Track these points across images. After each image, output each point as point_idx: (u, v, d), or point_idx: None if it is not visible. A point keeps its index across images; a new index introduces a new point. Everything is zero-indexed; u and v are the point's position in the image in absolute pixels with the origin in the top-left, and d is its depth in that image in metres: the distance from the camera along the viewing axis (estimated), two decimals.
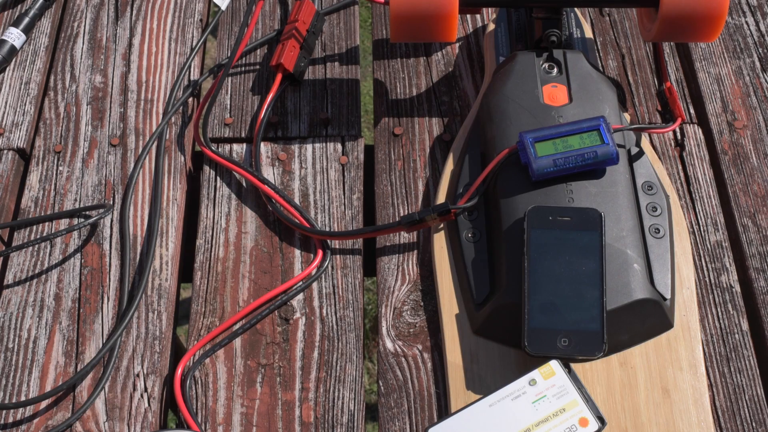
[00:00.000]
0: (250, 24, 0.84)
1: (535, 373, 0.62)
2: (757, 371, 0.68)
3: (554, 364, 0.62)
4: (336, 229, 0.76)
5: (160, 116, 0.83)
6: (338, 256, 0.74)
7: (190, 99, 0.85)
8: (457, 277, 0.69)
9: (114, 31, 0.90)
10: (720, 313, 0.71)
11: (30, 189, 0.79)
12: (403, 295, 0.72)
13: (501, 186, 0.69)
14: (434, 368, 0.68)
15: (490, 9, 0.89)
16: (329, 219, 0.76)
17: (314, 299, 0.72)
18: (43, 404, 0.68)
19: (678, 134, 0.81)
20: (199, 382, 0.69)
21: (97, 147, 0.81)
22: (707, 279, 0.72)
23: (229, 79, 0.86)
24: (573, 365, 0.63)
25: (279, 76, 0.82)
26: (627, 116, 0.77)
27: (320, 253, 0.74)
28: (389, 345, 0.70)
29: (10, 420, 0.67)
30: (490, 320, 0.65)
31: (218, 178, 0.79)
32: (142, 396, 0.68)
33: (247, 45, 0.87)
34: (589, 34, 0.82)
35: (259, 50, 0.88)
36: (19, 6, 0.92)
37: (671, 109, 0.79)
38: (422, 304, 0.71)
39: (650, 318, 0.65)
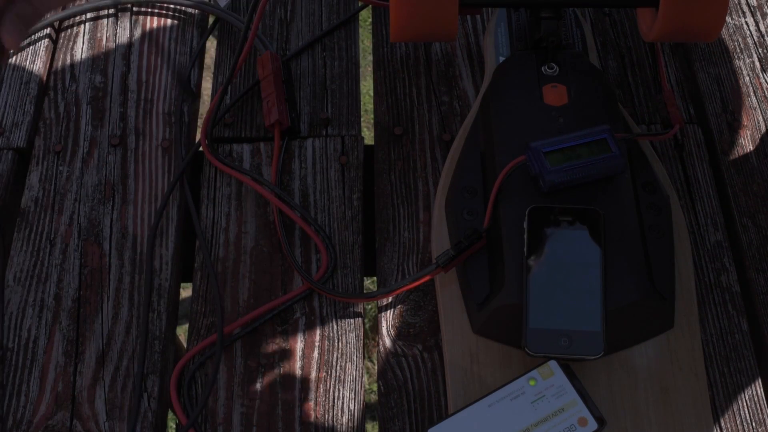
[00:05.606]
0: (249, 39, 0.82)
1: (534, 373, 0.62)
2: (757, 371, 0.68)
3: (553, 365, 0.62)
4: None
5: (160, 116, 0.83)
6: (338, 255, 0.74)
7: (190, 99, 0.85)
8: (457, 277, 0.69)
9: (114, 30, 0.90)
10: (720, 313, 0.71)
11: (30, 189, 0.79)
12: (403, 295, 0.72)
13: (501, 186, 0.69)
14: (434, 368, 0.68)
15: (490, 9, 0.89)
16: (329, 219, 0.76)
17: (314, 299, 0.72)
18: (43, 404, 0.68)
19: (678, 134, 0.81)
20: (199, 382, 0.69)
21: (97, 147, 0.81)
22: (707, 279, 0.72)
23: None
24: (573, 365, 0.63)
25: (277, 132, 0.79)
26: (627, 115, 0.77)
27: (324, 264, 0.74)
28: (389, 345, 0.70)
29: (10, 420, 0.67)
30: (490, 320, 0.65)
31: (218, 178, 0.79)
32: (142, 396, 0.68)
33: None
34: (589, 34, 0.82)
35: (257, 52, 0.88)
36: None
37: (669, 114, 0.79)
38: (422, 304, 0.71)
39: (650, 318, 0.65)
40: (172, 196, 0.78)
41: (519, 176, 0.68)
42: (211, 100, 0.86)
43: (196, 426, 0.66)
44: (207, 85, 1.02)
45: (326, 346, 0.70)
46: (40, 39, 0.89)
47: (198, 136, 0.82)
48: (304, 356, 0.69)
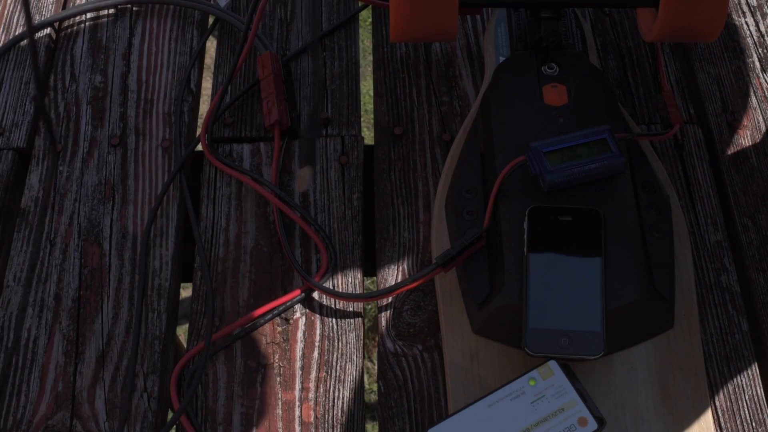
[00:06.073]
0: (249, 39, 0.81)
1: (533, 373, 0.62)
2: (757, 371, 0.68)
3: (552, 365, 0.62)
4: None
5: (160, 116, 0.83)
6: (338, 255, 0.74)
7: (190, 98, 0.85)
8: (457, 277, 0.69)
9: (114, 30, 0.90)
10: (720, 313, 0.71)
11: (30, 189, 0.79)
12: (403, 295, 0.72)
13: (501, 186, 0.69)
14: (434, 368, 0.68)
15: (490, 9, 0.89)
16: (329, 219, 0.76)
17: (314, 299, 0.72)
18: (43, 404, 0.68)
19: (678, 134, 0.81)
20: (199, 381, 0.69)
21: (97, 147, 0.81)
22: (707, 279, 0.72)
23: None
24: (573, 365, 0.63)
25: (277, 132, 0.79)
26: (627, 115, 0.77)
27: (324, 264, 0.74)
28: (389, 345, 0.70)
29: (10, 420, 0.67)
30: (490, 320, 0.65)
31: (218, 178, 0.79)
32: (141, 396, 0.68)
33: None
34: (589, 34, 0.82)
35: (257, 52, 0.88)
36: None
37: (669, 114, 0.80)
38: (422, 304, 0.71)
39: (650, 318, 0.65)
40: (172, 196, 0.78)
41: (519, 176, 0.68)
42: (211, 100, 0.86)
43: (195, 424, 0.66)
44: (207, 85, 1.01)
45: (326, 346, 0.70)
46: (40, 39, 0.89)
47: (207, 150, 0.81)
48: (304, 356, 0.69)
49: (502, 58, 0.79)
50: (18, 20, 0.91)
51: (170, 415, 0.71)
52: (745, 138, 0.80)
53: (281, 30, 0.89)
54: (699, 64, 0.85)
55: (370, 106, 1.74)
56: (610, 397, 0.64)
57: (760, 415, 0.66)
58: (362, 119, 0.83)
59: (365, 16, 1.42)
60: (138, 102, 0.84)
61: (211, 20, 0.91)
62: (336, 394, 0.68)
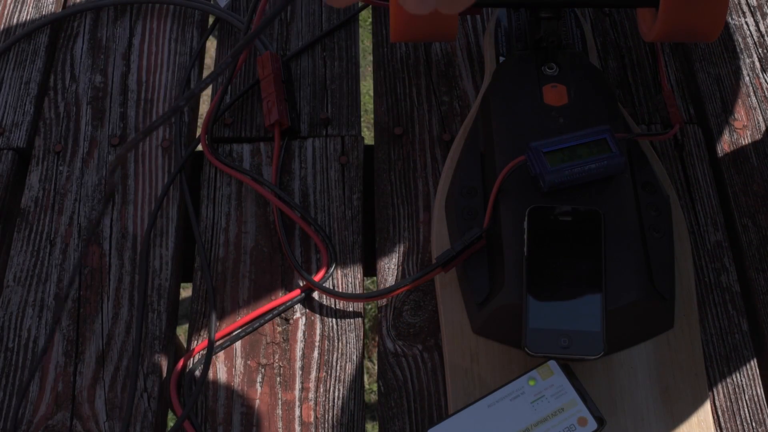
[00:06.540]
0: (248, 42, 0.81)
1: (533, 373, 0.62)
2: (757, 371, 0.68)
3: (552, 365, 0.62)
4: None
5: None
6: (338, 255, 0.74)
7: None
8: (457, 277, 0.69)
9: (114, 30, 0.90)
10: (720, 313, 0.71)
11: (30, 189, 0.79)
12: (403, 295, 0.72)
13: (501, 186, 0.69)
14: (434, 368, 0.68)
15: (490, 9, 0.89)
16: (329, 219, 0.76)
17: (314, 299, 0.72)
18: (43, 404, 0.68)
19: (678, 134, 0.81)
20: (201, 389, 0.69)
21: (97, 147, 0.81)
22: (707, 279, 0.72)
23: None
24: (573, 365, 0.63)
25: (277, 132, 0.79)
26: (627, 115, 0.77)
27: (324, 264, 0.74)
28: (389, 345, 0.70)
29: (11, 420, 0.67)
30: (490, 320, 0.65)
31: (218, 178, 0.79)
32: (141, 396, 0.68)
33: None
34: (589, 34, 0.82)
35: (257, 52, 0.88)
36: None
37: (669, 114, 0.80)
38: (422, 304, 0.71)
39: (650, 318, 0.65)
40: (171, 196, 0.78)
41: (519, 176, 0.68)
42: (211, 100, 0.86)
43: (195, 424, 0.66)
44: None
45: (326, 346, 0.70)
46: (40, 39, 0.89)
47: (208, 151, 0.81)
48: (304, 356, 0.69)
49: (502, 58, 0.79)
50: (18, 20, 0.91)
51: (170, 414, 0.71)
52: (745, 138, 0.80)
53: (281, 30, 0.90)
54: (699, 64, 0.85)
55: (370, 106, 1.74)
56: (610, 397, 0.64)
57: (760, 415, 0.66)
58: (362, 119, 0.83)
59: (365, 16, 1.42)
60: (138, 102, 0.84)
61: (211, 20, 0.91)
62: (336, 394, 0.68)
